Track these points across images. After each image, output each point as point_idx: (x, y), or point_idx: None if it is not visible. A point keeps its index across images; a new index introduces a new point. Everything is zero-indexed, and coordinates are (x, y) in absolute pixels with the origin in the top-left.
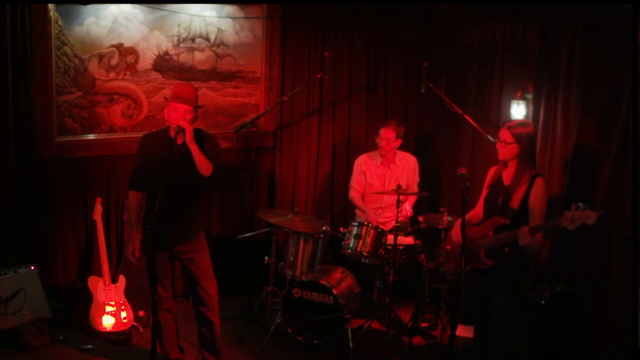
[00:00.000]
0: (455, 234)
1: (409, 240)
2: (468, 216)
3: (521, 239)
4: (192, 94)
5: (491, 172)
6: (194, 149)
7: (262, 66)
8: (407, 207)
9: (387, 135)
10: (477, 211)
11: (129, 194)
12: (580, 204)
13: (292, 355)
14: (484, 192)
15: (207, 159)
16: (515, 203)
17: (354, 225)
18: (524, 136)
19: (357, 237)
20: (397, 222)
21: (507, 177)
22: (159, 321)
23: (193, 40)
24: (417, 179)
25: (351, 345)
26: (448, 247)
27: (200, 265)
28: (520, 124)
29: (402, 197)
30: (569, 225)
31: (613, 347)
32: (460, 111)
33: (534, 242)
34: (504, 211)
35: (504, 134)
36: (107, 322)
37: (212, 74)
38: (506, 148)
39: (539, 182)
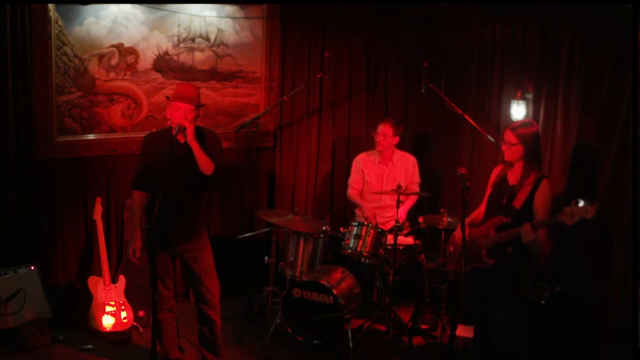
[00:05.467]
0: (458, 235)
1: (409, 240)
2: (472, 216)
3: (524, 236)
4: (194, 93)
5: (495, 172)
6: (195, 147)
7: (262, 66)
8: (401, 214)
9: (385, 131)
10: (481, 211)
11: (133, 195)
12: (579, 199)
13: (292, 355)
14: (488, 192)
15: (209, 158)
16: (518, 203)
17: (354, 225)
18: (528, 136)
19: (357, 237)
20: (397, 221)
21: (512, 177)
22: (160, 320)
23: (193, 40)
24: (417, 179)
25: (351, 345)
26: (451, 248)
27: (203, 264)
28: (524, 124)
29: (401, 198)
30: (568, 220)
31: (613, 347)
32: (460, 111)
33: (538, 240)
34: (507, 211)
35: (508, 135)
36: (107, 322)
37: (212, 74)
38: (511, 149)
39: (544, 184)
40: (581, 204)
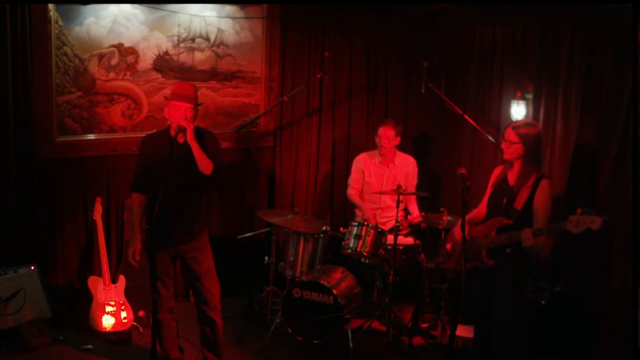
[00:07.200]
0: (458, 232)
1: (409, 240)
2: (471, 215)
3: (525, 241)
4: (192, 91)
5: (496, 172)
6: (194, 147)
7: (262, 66)
8: (416, 213)
9: (387, 134)
10: (481, 210)
11: (132, 197)
12: (585, 209)
13: (292, 355)
14: (488, 192)
15: (208, 157)
16: (519, 204)
17: (354, 225)
18: (529, 136)
19: (357, 237)
20: (397, 221)
21: (512, 178)
22: (160, 321)
23: (193, 40)
24: (415, 182)
25: (351, 345)
26: (449, 245)
27: (204, 265)
28: (526, 124)
29: (403, 200)
30: (573, 229)
31: (613, 347)
32: (460, 111)
33: (537, 243)
34: (507, 212)
35: (509, 134)
36: (107, 322)
37: (212, 74)
38: (511, 148)
39: (544, 184)
40: (588, 213)
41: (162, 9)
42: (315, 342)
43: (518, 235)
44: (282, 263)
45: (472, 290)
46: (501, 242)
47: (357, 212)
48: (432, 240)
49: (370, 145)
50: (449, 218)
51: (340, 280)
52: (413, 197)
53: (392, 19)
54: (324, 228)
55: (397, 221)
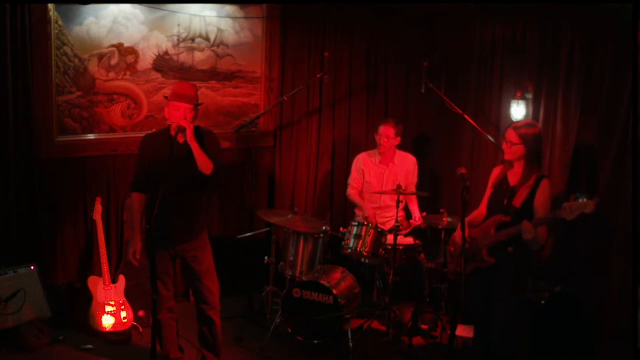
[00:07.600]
0: (459, 235)
1: (409, 240)
2: (472, 216)
3: (525, 233)
4: (193, 92)
5: (496, 172)
6: (194, 147)
7: (262, 66)
8: (418, 215)
9: (387, 133)
10: (481, 211)
11: (132, 196)
12: (578, 194)
13: (292, 355)
14: (488, 192)
15: (208, 157)
16: (518, 202)
17: (354, 225)
18: (530, 137)
19: (357, 237)
20: (397, 221)
21: (513, 178)
22: (160, 321)
23: (193, 40)
24: (415, 180)
25: (351, 345)
26: (452, 249)
27: (204, 264)
28: (527, 124)
29: (402, 198)
30: (568, 216)
31: (613, 347)
32: (460, 111)
33: (538, 237)
34: (507, 211)
35: (510, 135)
36: (107, 322)
37: (212, 74)
38: (512, 149)
39: (544, 184)
40: (580, 198)
41: (162, 9)
42: (315, 342)
43: (518, 229)
44: (282, 263)
45: (472, 290)
46: (500, 239)
47: (358, 212)
48: (432, 240)
49: (370, 145)
50: (449, 219)
51: (340, 280)
52: (414, 196)
53: (392, 19)
54: (324, 228)
55: (397, 221)
